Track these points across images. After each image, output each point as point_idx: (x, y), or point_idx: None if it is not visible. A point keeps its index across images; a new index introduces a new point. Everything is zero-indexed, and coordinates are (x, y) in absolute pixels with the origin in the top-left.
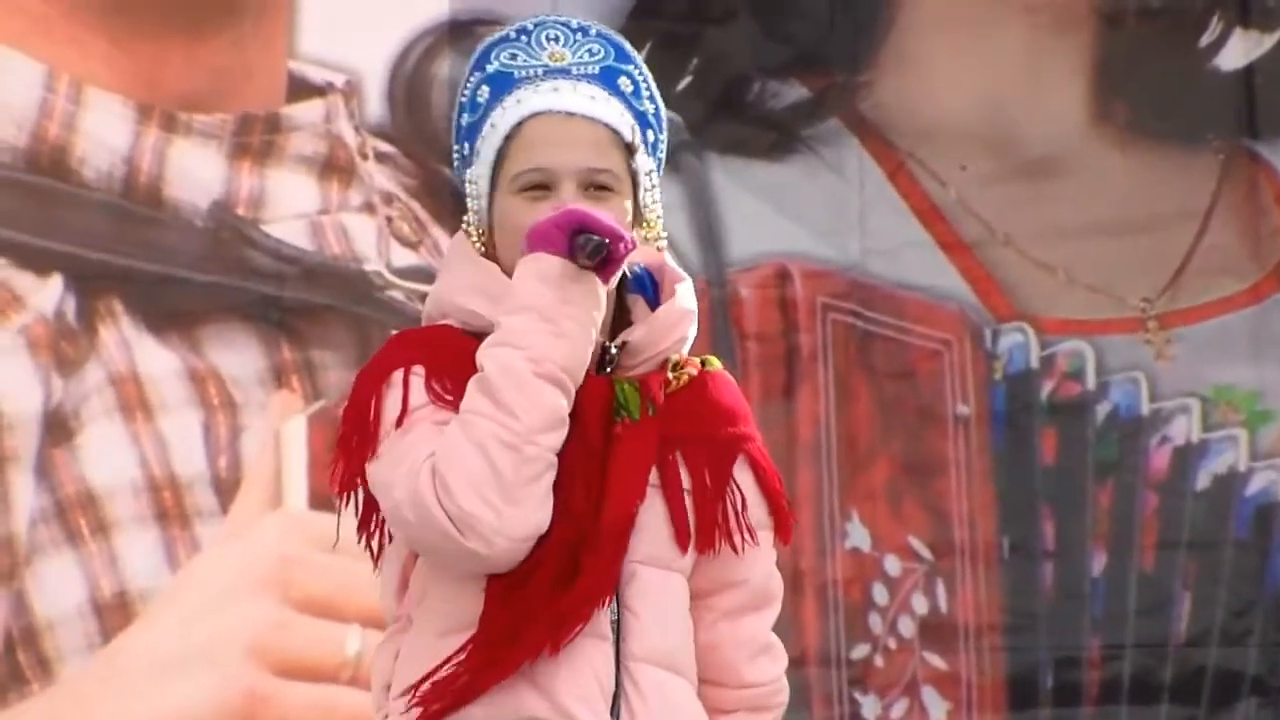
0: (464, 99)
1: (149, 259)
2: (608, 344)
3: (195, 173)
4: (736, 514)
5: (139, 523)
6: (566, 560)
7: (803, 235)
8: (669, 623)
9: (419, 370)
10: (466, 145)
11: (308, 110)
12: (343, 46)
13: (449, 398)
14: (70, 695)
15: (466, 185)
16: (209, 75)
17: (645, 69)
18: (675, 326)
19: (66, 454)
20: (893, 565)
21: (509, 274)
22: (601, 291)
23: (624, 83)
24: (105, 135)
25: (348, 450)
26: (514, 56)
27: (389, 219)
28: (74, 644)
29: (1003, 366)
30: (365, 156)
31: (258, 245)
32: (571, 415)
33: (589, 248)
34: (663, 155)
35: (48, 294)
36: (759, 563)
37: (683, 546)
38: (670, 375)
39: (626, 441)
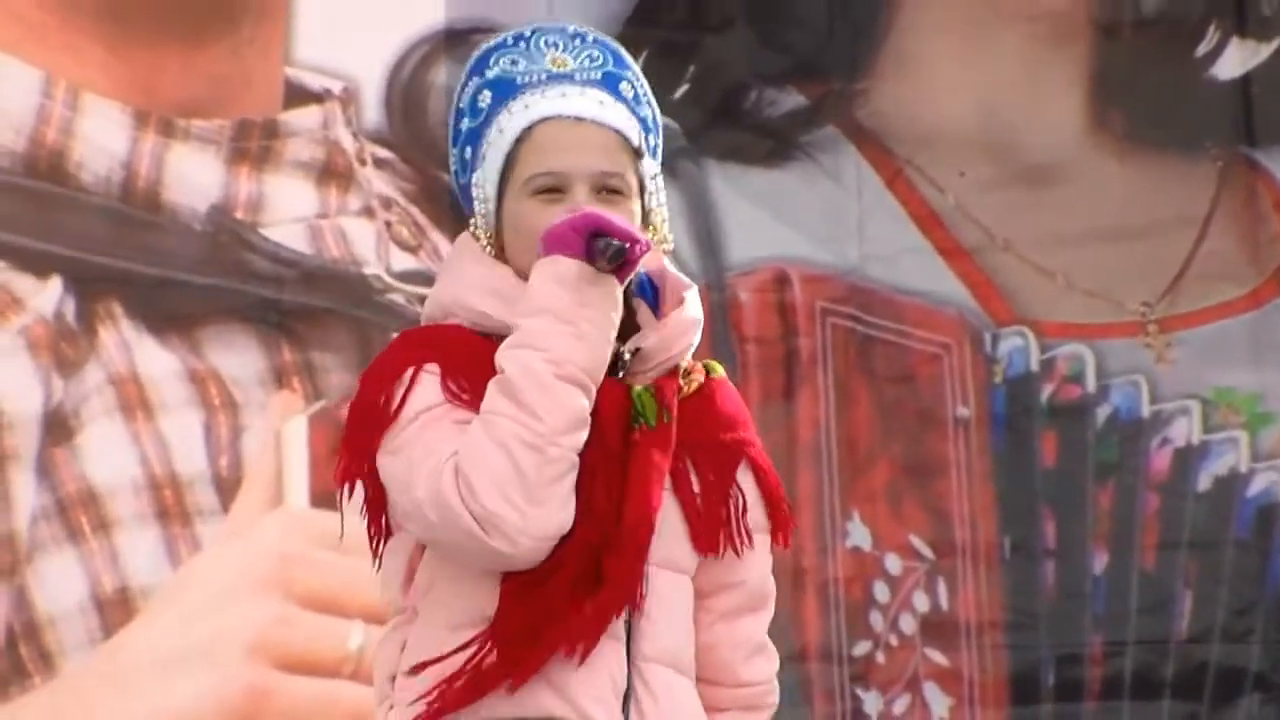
0: (462, 104)
1: (148, 262)
2: (620, 349)
3: (193, 177)
4: (739, 517)
5: (140, 520)
6: (589, 562)
7: (801, 241)
8: (678, 624)
9: (433, 369)
10: (468, 150)
11: (305, 116)
12: (340, 54)
13: (465, 397)
14: (72, 691)
15: (473, 189)
16: (206, 82)
17: (641, 74)
18: (685, 334)
19: (67, 453)
20: (893, 564)
21: (521, 276)
22: (618, 294)
23: (625, 88)
24: (103, 140)
25: (353, 446)
26: (515, 62)
27: (388, 223)
28: (76, 639)
29: (1003, 370)
30: (363, 162)
31: (256, 249)
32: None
33: (610, 251)
34: (659, 159)
35: (47, 296)
36: (757, 565)
37: (699, 550)
38: (681, 382)
39: (645, 447)
